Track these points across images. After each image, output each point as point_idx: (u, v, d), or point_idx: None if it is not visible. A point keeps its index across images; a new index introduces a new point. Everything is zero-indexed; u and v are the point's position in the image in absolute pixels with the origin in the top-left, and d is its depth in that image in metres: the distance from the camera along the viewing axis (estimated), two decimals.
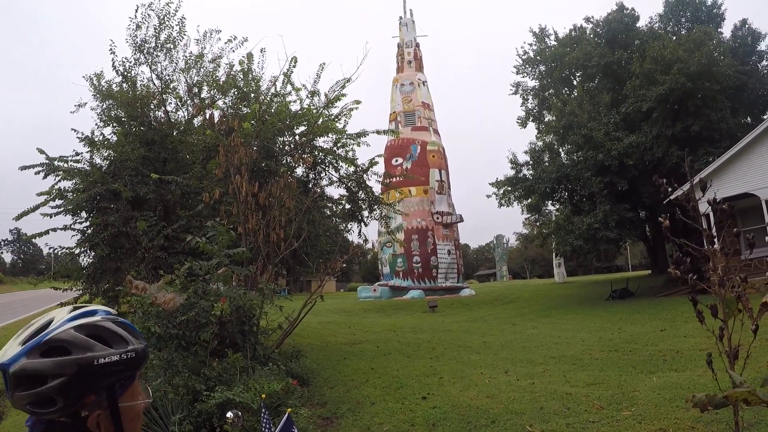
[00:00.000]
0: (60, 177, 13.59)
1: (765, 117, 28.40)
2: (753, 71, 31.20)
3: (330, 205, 16.51)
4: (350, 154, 15.34)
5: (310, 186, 15.54)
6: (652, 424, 7.14)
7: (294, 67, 14.77)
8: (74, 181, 13.79)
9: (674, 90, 26.92)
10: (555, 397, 9.06)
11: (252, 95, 15.14)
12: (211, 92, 15.34)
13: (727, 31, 34.40)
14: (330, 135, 15.08)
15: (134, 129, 14.44)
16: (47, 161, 13.52)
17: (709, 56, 27.13)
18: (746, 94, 30.67)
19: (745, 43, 32.14)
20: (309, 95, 15.08)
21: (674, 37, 32.19)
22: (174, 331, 8.01)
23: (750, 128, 25.62)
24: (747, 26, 33.06)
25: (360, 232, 16.80)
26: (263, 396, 4.84)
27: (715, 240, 2.45)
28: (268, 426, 3.62)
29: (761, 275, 20.32)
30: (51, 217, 13.40)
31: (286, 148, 15.13)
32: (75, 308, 1.58)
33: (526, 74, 40.71)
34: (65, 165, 13.66)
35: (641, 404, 8.16)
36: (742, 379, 2.01)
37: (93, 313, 1.57)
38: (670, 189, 2.92)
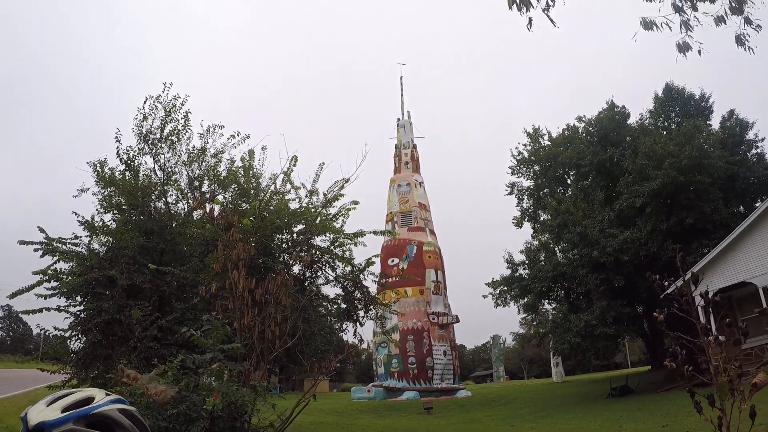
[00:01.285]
0: (57, 258, 13.61)
1: (757, 205, 28.75)
2: (743, 160, 31.88)
3: (326, 303, 16.46)
4: (347, 253, 15.47)
5: (307, 284, 15.54)
6: None
7: (294, 165, 15.10)
8: (71, 264, 13.81)
9: (667, 184, 27.42)
10: None
11: (252, 191, 15.40)
12: (212, 186, 15.59)
13: (715, 122, 35.57)
14: (327, 234, 15.23)
15: (134, 217, 14.58)
16: (46, 240, 13.57)
17: (699, 149, 27.82)
18: (737, 184, 31.20)
19: (734, 133, 32.98)
20: (308, 194, 15.36)
21: (665, 132, 33.06)
22: (164, 424, 7.84)
23: (743, 217, 25.98)
24: (735, 116, 34.10)
25: (355, 331, 16.69)
26: None
27: (710, 331, 2.50)
28: None
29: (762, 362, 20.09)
30: (45, 298, 13.32)
31: (283, 245, 15.24)
32: (108, 393, 1.66)
33: (521, 174, 41.42)
34: (63, 247, 13.70)
35: None
36: None
37: (125, 401, 1.66)
38: (665, 283, 2.99)
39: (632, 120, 37.91)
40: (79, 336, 13.86)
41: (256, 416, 10.17)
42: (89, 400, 1.56)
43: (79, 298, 14.02)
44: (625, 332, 32.85)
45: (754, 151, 33.84)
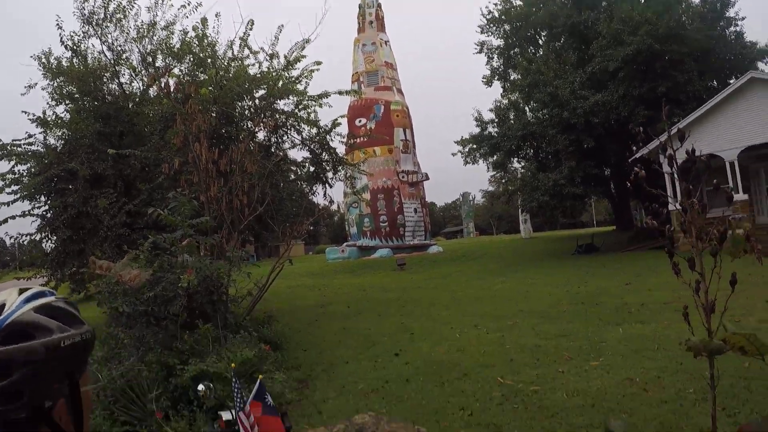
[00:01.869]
0: (14, 161, 13.23)
1: (731, 81, 28.60)
2: (721, 37, 31.31)
3: (293, 168, 16.36)
4: (312, 116, 15.18)
5: (273, 150, 15.36)
6: (620, 373, 7.30)
7: (251, 29, 14.52)
8: (29, 164, 13.43)
9: (642, 51, 26.92)
10: (525, 350, 9.21)
11: (208, 61, 14.81)
12: (166, 60, 14.97)
13: None
14: (291, 97, 14.88)
15: (88, 104, 14.10)
16: None
17: (677, 20, 27.25)
18: (713, 59, 30.81)
19: (714, 9, 32.17)
20: (267, 58, 14.84)
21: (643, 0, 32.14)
22: (142, 308, 7.90)
23: (716, 92, 25.83)
24: None
25: (325, 193, 16.71)
26: (233, 365, 4.79)
27: (694, 193, 2.41)
28: (239, 395, 3.56)
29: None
30: (8, 205, 13.08)
31: (246, 112, 14.91)
32: (22, 290, 1.41)
33: (490, 33, 40.26)
34: (18, 149, 13.29)
35: (609, 355, 8.33)
36: (734, 330, 1.95)
37: (44, 294, 1.42)
38: (644, 136, 2.88)
39: None
40: (49, 236, 13.73)
41: (234, 287, 10.31)
42: (43, 293, 1.38)
43: (42, 198, 13.77)
44: (592, 193, 33.49)
45: (732, 28, 33.05)
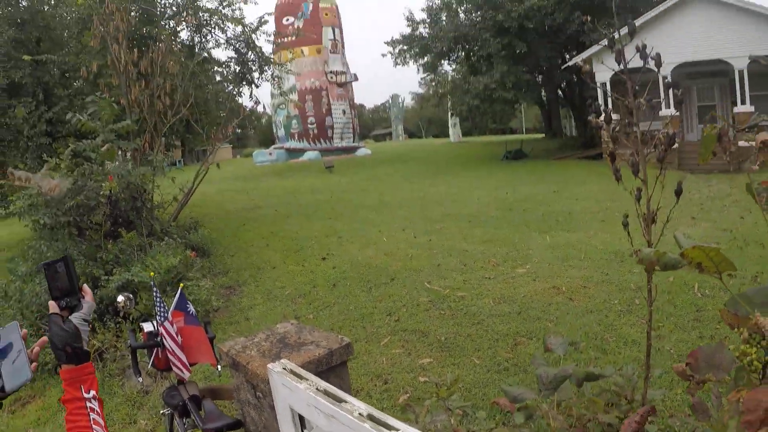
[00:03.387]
0: None
1: None
2: None
3: (218, 68, 15.79)
4: (237, 13, 14.58)
5: (196, 50, 14.74)
6: (546, 281, 7.51)
7: None
8: None
9: None
10: (452, 254, 9.38)
11: None
12: None
13: None
14: None
15: (2, 11, 13.20)
16: None
17: None
18: None
19: None
20: None
21: None
22: (64, 219, 7.65)
23: (655, 4, 25.72)
24: None
25: (251, 95, 16.32)
26: (152, 273, 4.70)
27: (642, 97, 2.38)
28: (161, 305, 3.48)
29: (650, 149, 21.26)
30: None
31: (167, 11, 14.17)
32: None
33: None
34: None
35: (535, 262, 8.56)
36: (690, 242, 1.75)
37: None
38: (591, 26, 2.80)
39: None
40: None
41: (158, 193, 10.07)
42: None
43: None
44: (523, 98, 33.33)
45: None
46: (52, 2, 13.93)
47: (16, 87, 12.77)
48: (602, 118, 2.45)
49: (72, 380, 1.65)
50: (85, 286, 1.80)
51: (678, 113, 23.19)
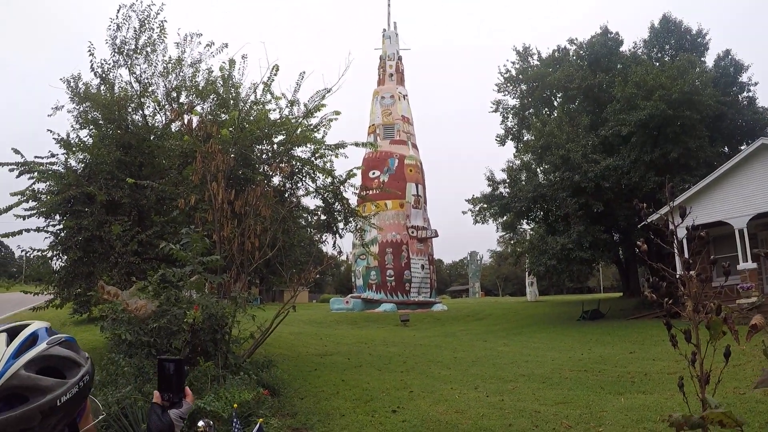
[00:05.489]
0: (35, 178, 13.49)
1: (742, 147, 28.79)
2: (733, 102, 31.69)
3: (306, 215, 16.47)
4: (328, 165, 15.33)
5: (287, 195, 15.49)
6: None
7: (275, 75, 14.77)
8: (48, 183, 13.69)
9: (654, 116, 27.20)
10: (524, 415, 9.11)
11: (231, 102, 15.10)
12: (190, 97, 15.28)
13: (710, 60, 35.01)
14: (308, 145, 15.06)
15: (111, 132, 14.35)
16: (22, 161, 13.42)
17: (691, 85, 27.47)
18: (725, 124, 31.13)
19: (727, 74, 32.65)
20: (288, 104, 15.10)
21: (657, 64, 32.55)
22: (145, 339, 7.93)
23: (727, 158, 26.03)
24: (730, 57, 33.62)
25: (335, 243, 16.76)
26: (235, 405, 4.81)
27: (693, 266, 2.49)
28: None
29: (731, 303, 20.59)
30: (24, 219, 13.27)
31: (263, 156, 15.09)
32: (9, 332, 1.35)
33: (507, 92, 40.81)
34: (40, 167, 13.56)
35: (609, 424, 8.23)
36: (717, 402, 2.08)
37: (34, 337, 1.36)
38: (650, 211, 2.96)
39: (625, 48, 37.25)
40: (60, 255, 13.90)
41: (237, 328, 10.32)
42: (34, 338, 1.34)
43: (58, 217, 14.00)
44: (600, 258, 33.26)
45: (745, 93, 33.58)
46: (159, 133, 14.98)
47: (114, 205, 13.50)
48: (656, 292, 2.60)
49: None
50: (188, 389, 1.94)
51: (755, 265, 22.59)
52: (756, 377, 8.21)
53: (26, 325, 1.38)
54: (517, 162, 36.04)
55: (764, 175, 22.50)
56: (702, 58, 34.24)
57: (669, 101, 26.87)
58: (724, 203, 23.07)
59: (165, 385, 1.91)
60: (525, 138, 39.61)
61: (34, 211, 13.42)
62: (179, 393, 1.91)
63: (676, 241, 2.58)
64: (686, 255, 2.58)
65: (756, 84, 33.74)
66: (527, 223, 38.11)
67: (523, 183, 33.34)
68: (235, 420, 3.69)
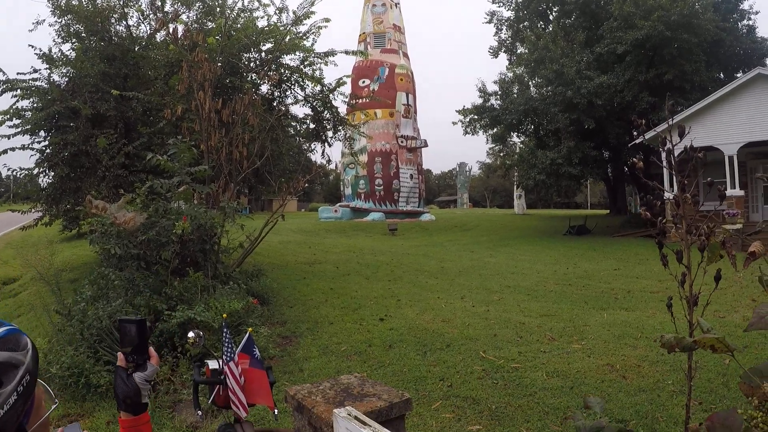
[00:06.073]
0: (18, 96, 13.23)
1: (738, 75, 28.44)
2: (732, 28, 31.06)
3: (294, 124, 16.32)
4: (317, 73, 15.10)
5: (275, 104, 15.31)
6: (601, 358, 7.39)
7: None
8: (32, 99, 13.44)
9: (651, 36, 26.70)
10: (509, 326, 9.31)
11: (218, 9, 14.67)
12: (175, 6, 14.79)
13: None
14: (297, 53, 14.82)
15: (94, 44, 13.99)
16: (4, 79, 13.14)
17: (691, 7, 26.83)
18: (722, 50, 30.62)
19: (728, 0, 31.95)
20: (277, 12, 14.72)
21: None
22: (135, 251, 7.94)
23: (722, 84, 25.71)
24: None
25: (323, 152, 16.75)
26: (224, 315, 4.84)
27: (688, 187, 2.47)
28: (229, 345, 3.60)
29: (717, 228, 20.81)
30: (9, 138, 13.13)
31: (251, 64, 14.82)
32: None
33: (502, 3, 39.73)
34: (23, 84, 13.27)
35: (591, 339, 8.43)
36: (709, 326, 2.10)
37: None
38: (645, 129, 2.92)
39: None
40: (47, 171, 13.85)
41: (226, 238, 10.36)
42: None
43: (43, 134, 13.83)
44: (589, 174, 33.29)
45: (745, 21, 32.84)
46: (143, 43, 14.65)
47: (100, 118, 13.31)
48: (651, 210, 2.59)
49: (129, 428, 1.81)
50: (152, 350, 1.93)
51: (742, 193, 22.86)
52: (737, 302, 8.42)
53: None
54: (510, 75, 35.53)
55: (758, 104, 22.41)
56: None
57: (667, 22, 26.32)
58: (716, 129, 23.03)
59: (128, 347, 1.88)
60: (518, 51, 38.92)
61: (19, 129, 13.22)
62: (143, 355, 1.90)
63: (673, 161, 2.55)
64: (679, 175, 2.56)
65: (757, 13, 33.09)
66: (517, 137, 37.99)
67: (515, 96, 32.95)
68: (225, 330, 3.69)
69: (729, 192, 22.16)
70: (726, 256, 2.21)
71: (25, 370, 1.24)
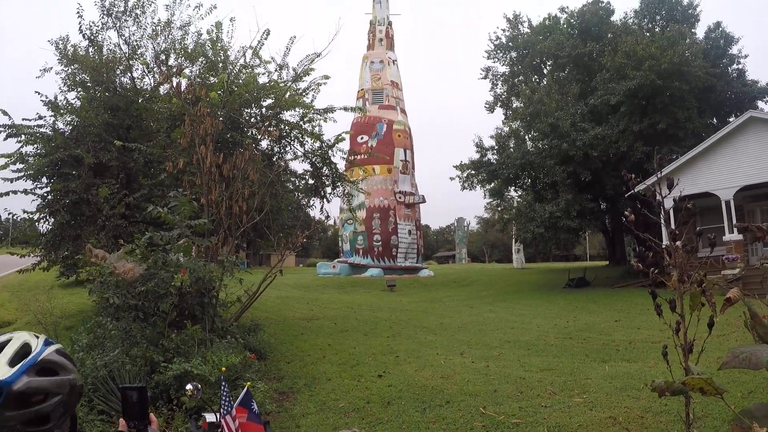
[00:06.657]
0: (23, 141, 13.41)
1: (730, 120, 28.80)
2: (723, 74, 31.61)
3: (293, 179, 16.45)
4: (316, 129, 15.31)
5: (275, 159, 15.46)
6: (603, 411, 7.29)
7: (266, 39, 14.69)
8: (36, 145, 13.61)
9: (644, 86, 27.16)
10: (509, 381, 9.20)
11: (220, 65, 14.97)
12: (179, 60, 15.13)
13: (700, 32, 34.77)
14: (297, 109, 15.05)
15: (99, 94, 14.25)
16: (9, 123, 13.32)
17: (681, 56, 27.38)
18: (714, 96, 31.10)
19: (717, 46, 32.55)
20: (278, 68, 15.01)
21: (648, 34, 32.41)
22: (133, 302, 7.93)
23: (715, 129, 26.07)
24: (720, 29, 33.43)
25: (322, 208, 16.80)
26: (223, 369, 4.84)
27: (679, 237, 2.51)
28: (227, 399, 3.60)
29: (716, 273, 20.78)
30: (11, 181, 13.22)
31: (252, 120, 15.02)
32: (36, 335, 1.61)
33: (497, 59, 40.55)
34: (28, 129, 13.47)
35: (593, 392, 8.33)
36: (699, 370, 2.12)
37: (52, 341, 1.63)
38: (638, 181, 2.98)
39: (616, 17, 36.83)
40: (47, 217, 13.92)
41: (224, 291, 10.34)
42: (27, 346, 1.55)
43: (45, 180, 13.98)
44: (587, 226, 33.35)
45: (735, 66, 33.50)
46: (147, 96, 14.87)
47: (102, 168, 13.47)
48: (643, 261, 2.64)
49: None
50: (152, 415, 2.02)
51: (741, 237, 22.78)
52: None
53: (22, 340, 1.57)
54: (506, 129, 35.88)
55: (752, 147, 22.53)
56: (692, 30, 34.13)
57: (658, 71, 26.80)
58: (711, 174, 23.15)
59: (129, 413, 1.96)
60: (514, 105, 39.51)
61: (22, 174, 13.35)
62: (144, 420, 1.96)
63: (663, 212, 2.60)
64: (673, 225, 2.60)
65: (746, 57, 33.71)
66: (515, 191, 38.14)
67: (512, 150, 33.24)
68: (223, 383, 3.70)
69: (727, 237, 22.14)
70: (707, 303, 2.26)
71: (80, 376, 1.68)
